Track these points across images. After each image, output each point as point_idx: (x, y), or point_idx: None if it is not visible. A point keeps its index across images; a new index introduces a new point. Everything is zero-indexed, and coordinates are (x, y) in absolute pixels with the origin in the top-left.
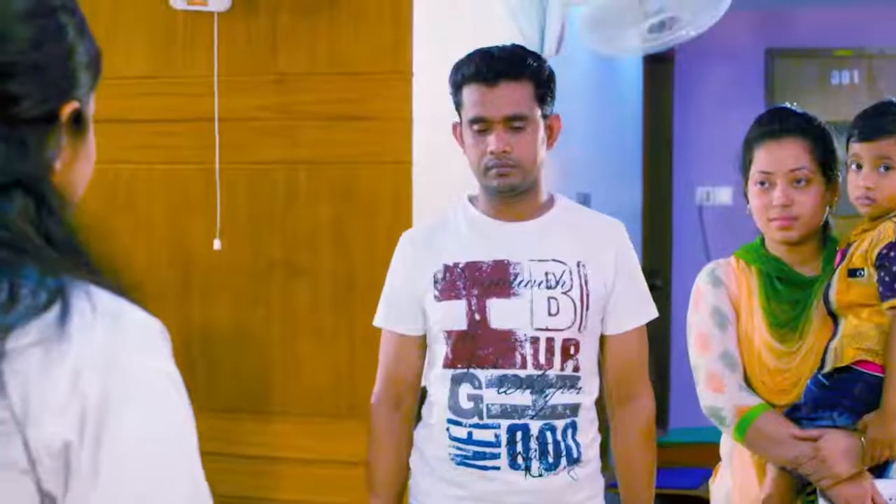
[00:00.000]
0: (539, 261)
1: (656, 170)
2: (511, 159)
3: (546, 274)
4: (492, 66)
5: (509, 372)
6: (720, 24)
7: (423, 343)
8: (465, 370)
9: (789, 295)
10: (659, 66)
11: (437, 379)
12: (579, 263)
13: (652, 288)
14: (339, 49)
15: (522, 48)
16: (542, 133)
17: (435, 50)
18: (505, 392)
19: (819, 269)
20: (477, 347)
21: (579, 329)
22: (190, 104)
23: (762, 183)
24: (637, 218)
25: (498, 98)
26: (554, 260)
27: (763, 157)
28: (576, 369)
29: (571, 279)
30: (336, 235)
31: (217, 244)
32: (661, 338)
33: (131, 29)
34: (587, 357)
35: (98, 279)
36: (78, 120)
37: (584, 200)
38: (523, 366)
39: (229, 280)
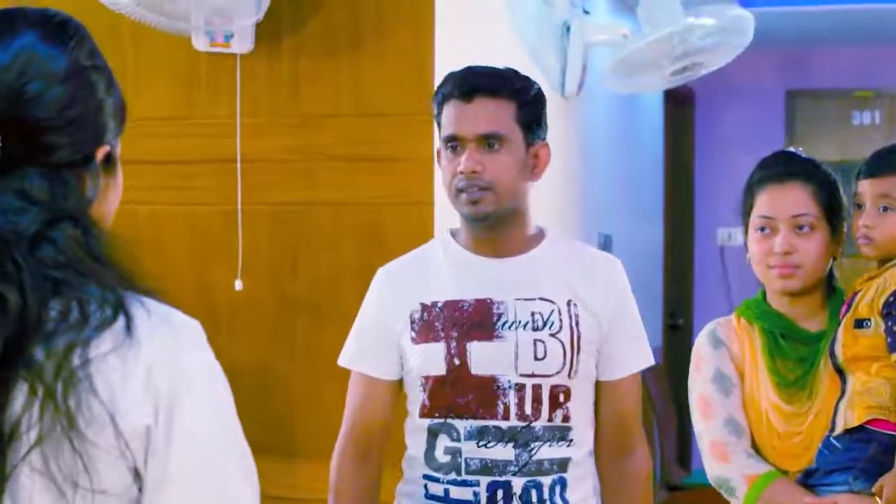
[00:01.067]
0: (525, 300)
1: (678, 210)
2: (482, 181)
3: (533, 314)
4: (468, 81)
5: (490, 423)
6: (741, 65)
7: (395, 389)
8: (442, 420)
9: (795, 352)
10: (680, 107)
11: (413, 430)
12: (570, 303)
13: (673, 327)
14: (361, 91)
15: (512, 70)
16: (523, 159)
17: None
18: (485, 445)
19: (825, 322)
20: (456, 395)
21: (569, 375)
22: (213, 145)
23: (762, 229)
24: (659, 258)
25: (473, 115)
26: (541, 299)
27: (765, 202)
28: (566, 419)
29: (561, 320)
30: (358, 276)
31: (238, 285)
32: (683, 377)
33: (154, 70)
34: (579, 406)
35: (140, 289)
36: (108, 160)
37: (606, 241)
38: (506, 416)
39: (252, 321)
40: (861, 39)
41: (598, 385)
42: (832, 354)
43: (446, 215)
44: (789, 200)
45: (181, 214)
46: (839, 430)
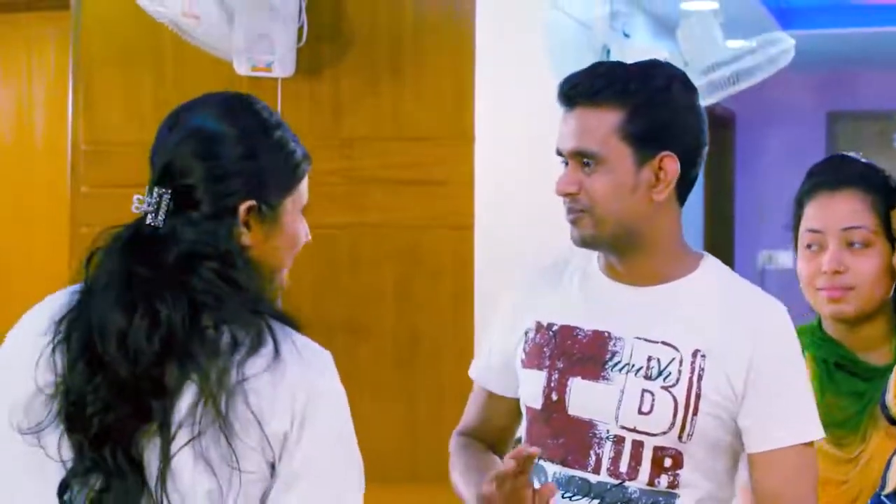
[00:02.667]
0: (646, 341)
1: (718, 232)
2: (579, 203)
3: (649, 359)
4: (572, 86)
5: (578, 474)
6: (782, 87)
7: (518, 407)
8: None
9: (850, 386)
10: (720, 129)
11: None
12: (697, 353)
13: None
14: (402, 114)
15: (641, 67)
16: (630, 177)
17: (497, 114)
18: (569, 498)
19: (891, 356)
20: (548, 435)
21: (681, 437)
22: None
23: (810, 245)
24: None
25: (568, 126)
26: (664, 343)
27: (813, 214)
28: (672, 486)
29: (680, 371)
30: (399, 299)
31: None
32: None
33: (196, 94)
34: (697, 475)
35: (279, 317)
36: (260, 212)
37: None
38: (596, 470)
39: None
40: None
41: (750, 459)
42: (883, 406)
43: (487, 238)
44: (840, 211)
45: None
46: (890, 487)
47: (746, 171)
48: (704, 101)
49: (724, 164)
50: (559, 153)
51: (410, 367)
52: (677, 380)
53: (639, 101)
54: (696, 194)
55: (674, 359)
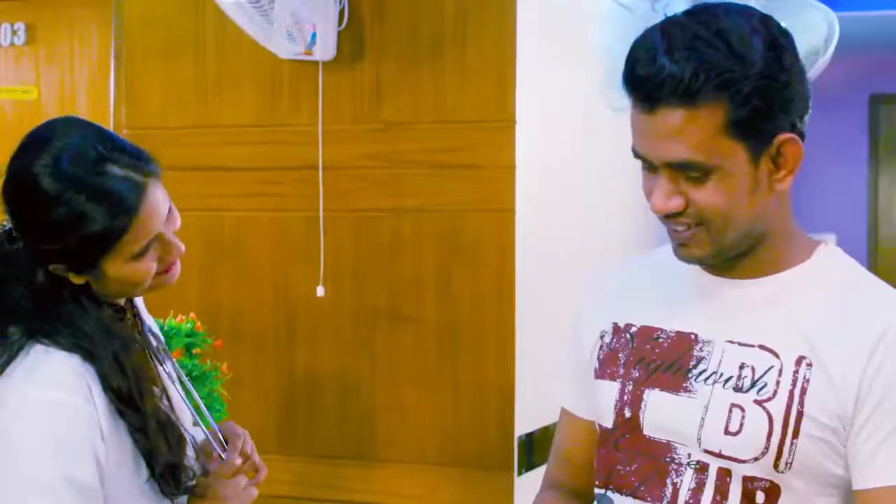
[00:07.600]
0: (739, 344)
1: None
2: (689, 218)
3: (741, 367)
4: (650, 82)
5: None
6: (823, 70)
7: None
8: (602, 490)
9: None
10: None
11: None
12: (801, 360)
13: None
14: (443, 97)
15: (727, 43)
16: (747, 176)
17: (539, 97)
18: None
19: None
20: (618, 461)
21: (777, 465)
22: (295, 153)
23: None
24: None
25: (655, 133)
26: (762, 347)
27: None
28: None
29: (778, 383)
30: (440, 283)
31: (320, 290)
32: None
33: (238, 79)
34: None
35: (57, 341)
36: (82, 271)
37: None
38: (673, 503)
39: (333, 327)
40: None
41: (856, 496)
42: None
43: (528, 223)
44: None
45: (265, 221)
46: None
47: None
48: None
49: None
50: (639, 156)
51: (452, 354)
52: (774, 392)
53: (744, 86)
54: None
55: (772, 367)
